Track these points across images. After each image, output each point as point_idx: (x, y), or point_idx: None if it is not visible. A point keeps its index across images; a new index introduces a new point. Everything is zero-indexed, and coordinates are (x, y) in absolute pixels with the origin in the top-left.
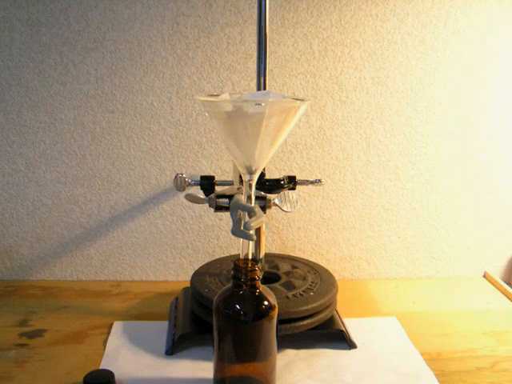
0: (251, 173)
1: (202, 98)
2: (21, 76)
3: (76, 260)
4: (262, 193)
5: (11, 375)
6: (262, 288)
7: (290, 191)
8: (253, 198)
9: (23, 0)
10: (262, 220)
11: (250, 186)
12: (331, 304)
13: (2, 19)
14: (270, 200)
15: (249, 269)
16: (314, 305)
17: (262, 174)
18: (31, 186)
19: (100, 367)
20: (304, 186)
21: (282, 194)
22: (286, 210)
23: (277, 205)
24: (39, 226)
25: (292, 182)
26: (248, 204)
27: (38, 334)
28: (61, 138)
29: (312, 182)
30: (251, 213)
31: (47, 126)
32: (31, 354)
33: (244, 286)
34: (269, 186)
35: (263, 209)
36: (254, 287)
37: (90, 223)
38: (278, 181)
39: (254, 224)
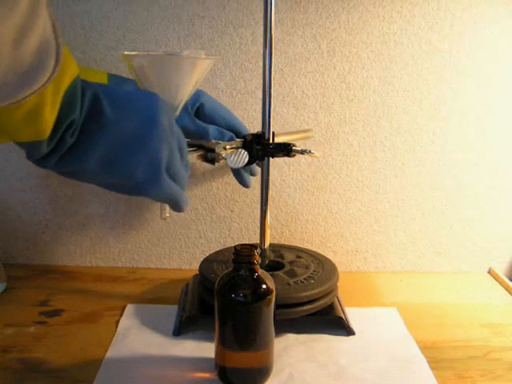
0: None
1: (126, 53)
2: None
3: (95, 247)
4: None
5: (30, 348)
6: (261, 272)
7: (244, 151)
8: None
9: (49, 2)
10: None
11: None
12: (331, 291)
13: None
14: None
15: (247, 253)
16: (313, 291)
17: (264, 135)
18: (54, 177)
19: (111, 345)
20: (313, 182)
21: (238, 151)
22: (229, 163)
23: (223, 157)
24: (61, 214)
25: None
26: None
27: (56, 313)
28: None
29: (303, 151)
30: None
31: None
32: (49, 331)
33: (243, 270)
34: (272, 149)
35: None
36: (253, 271)
37: (108, 213)
38: (286, 145)
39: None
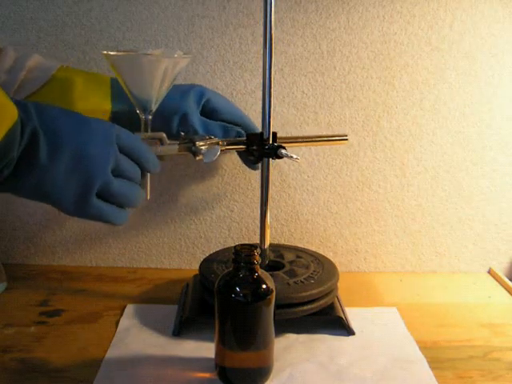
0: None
1: (104, 52)
2: None
3: (95, 247)
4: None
5: (30, 348)
6: (261, 272)
7: (218, 148)
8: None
9: (49, 3)
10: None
11: (146, 123)
12: (331, 291)
13: (30, 20)
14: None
15: (247, 253)
16: (313, 291)
17: (262, 135)
18: None
19: (111, 345)
20: (313, 182)
21: (214, 147)
22: (204, 159)
23: (201, 153)
24: (61, 214)
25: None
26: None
27: (56, 313)
28: None
29: (287, 155)
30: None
31: None
32: (49, 331)
33: (243, 270)
34: (268, 149)
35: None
36: (253, 271)
37: None
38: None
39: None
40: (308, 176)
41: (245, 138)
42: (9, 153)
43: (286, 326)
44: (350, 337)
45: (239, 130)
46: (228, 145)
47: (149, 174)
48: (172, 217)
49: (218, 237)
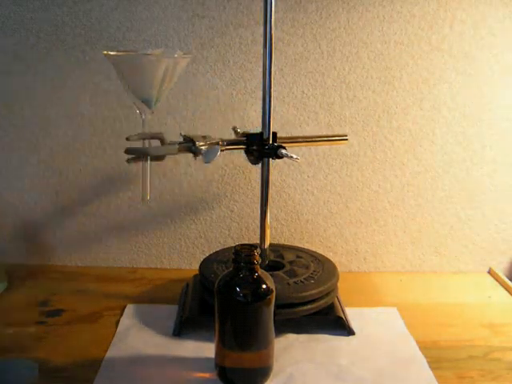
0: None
1: (105, 52)
2: (46, 73)
3: (95, 247)
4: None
5: (31, 348)
6: (261, 272)
7: (218, 148)
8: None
9: (49, 3)
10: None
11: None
12: (331, 291)
13: (30, 20)
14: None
15: (247, 253)
16: (313, 291)
17: (262, 135)
18: (55, 176)
19: (111, 345)
20: (313, 182)
21: (214, 147)
22: (203, 159)
23: (201, 153)
24: (61, 214)
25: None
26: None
27: (56, 313)
28: (83, 131)
29: (287, 156)
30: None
31: (70, 120)
32: (49, 331)
33: (243, 270)
34: (268, 149)
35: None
36: (253, 271)
37: (109, 212)
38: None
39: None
40: (308, 176)
41: (245, 138)
42: None
43: (286, 325)
44: (350, 337)
45: None
46: (228, 145)
47: (148, 174)
48: (172, 217)
49: (218, 237)
